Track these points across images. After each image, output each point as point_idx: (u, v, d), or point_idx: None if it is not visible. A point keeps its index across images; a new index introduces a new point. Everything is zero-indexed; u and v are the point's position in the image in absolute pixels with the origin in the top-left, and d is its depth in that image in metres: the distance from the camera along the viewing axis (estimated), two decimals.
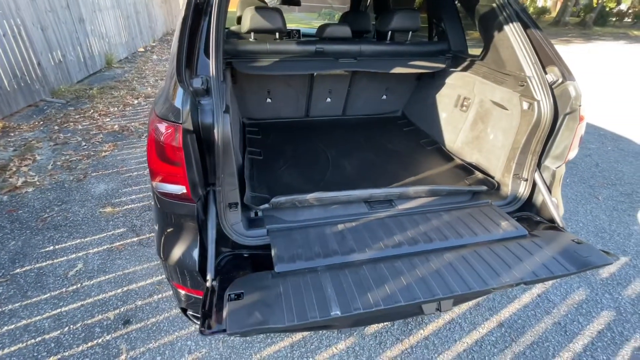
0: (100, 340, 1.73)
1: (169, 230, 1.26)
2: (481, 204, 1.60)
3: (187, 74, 1.15)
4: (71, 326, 1.79)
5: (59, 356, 1.64)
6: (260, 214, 1.51)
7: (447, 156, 2.15)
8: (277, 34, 2.17)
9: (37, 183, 3.01)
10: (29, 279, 2.07)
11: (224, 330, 0.89)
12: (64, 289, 2.01)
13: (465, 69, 2.17)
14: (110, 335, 1.75)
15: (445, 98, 2.34)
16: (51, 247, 2.31)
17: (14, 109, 4.33)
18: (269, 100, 2.75)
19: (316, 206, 1.56)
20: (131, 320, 1.84)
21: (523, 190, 1.62)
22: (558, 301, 2.07)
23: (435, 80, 2.48)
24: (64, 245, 2.34)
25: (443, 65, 2.29)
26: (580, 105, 1.41)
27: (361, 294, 1.03)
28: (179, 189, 1.13)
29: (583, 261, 1.19)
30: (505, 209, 1.60)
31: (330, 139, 2.47)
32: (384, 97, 2.80)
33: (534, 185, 1.58)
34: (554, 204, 1.51)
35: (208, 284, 1.09)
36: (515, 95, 1.65)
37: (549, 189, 1.55)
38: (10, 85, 4.25)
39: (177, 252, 1.21)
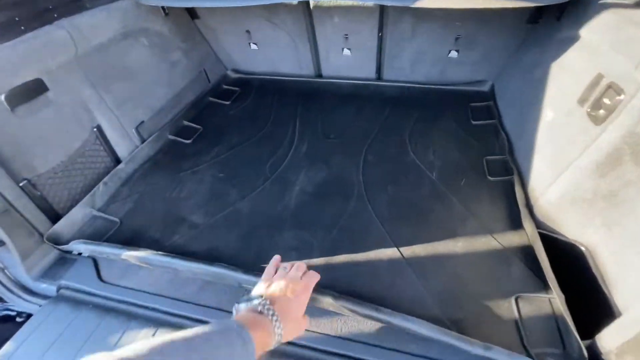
0: None
1: None
2: None
3: None
4: None
5: None
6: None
7: (516, 212, 1.06)
8: None
9: None
10: None
11: None
12: None
13: None
14: None
15: (566, 75, 1.12)
16: None
17: None
18: (253, 46, 1.86)
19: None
20: None
21: None
22: None
23: (561, 29, 1.23)
24: None
25: None
26: None
27: None
28: None
29: None
30: None
31: (326, 127, 1.58)
32: (453, 53, 1.64)
33: None
34: None
35: None
36: None
37: None
38: None
39: None
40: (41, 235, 1.10)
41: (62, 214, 1.19)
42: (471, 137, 1.42)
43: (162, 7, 1.60)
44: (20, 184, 1.06)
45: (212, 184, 1.30)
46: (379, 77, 1.87)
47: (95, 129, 1.31)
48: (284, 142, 1.49)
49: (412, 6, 1.21)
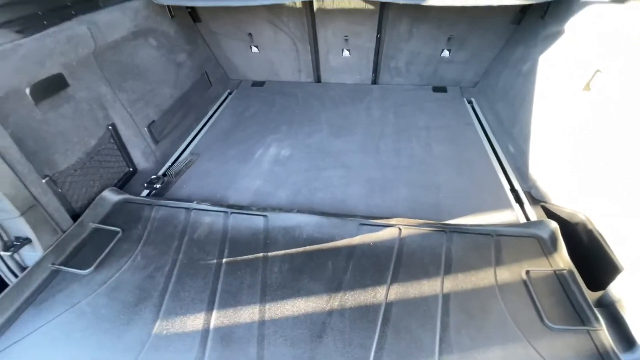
0: None
1: None
2: None
3: None
4: None
5: None
6: None
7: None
8: None
9: None
10: None
11: None
12: None
13: None
14: None
15: (556, 67, 1.29)
16: None
17: None
18: (254, 49, 1.92)
19: None
20: None
21: None
22: None
23: (546, 26, 1.40)
24: None
25: None
26: None
27: None
28: None
29: None
30: None
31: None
32: (445, 53, 1.81)
33: None
34: None
35: None
36: None
37: None
38: None
39: None
40: (63, 232, 1.07)
41: (80, 212, 1.17)
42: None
43: (169, 9, 1.62)
44: (43, 180, 1.04)
45: None
46: (375, 81, 1.98)
47: (110, 127, 1.30)
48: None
49: (410, 3, 1.33)
